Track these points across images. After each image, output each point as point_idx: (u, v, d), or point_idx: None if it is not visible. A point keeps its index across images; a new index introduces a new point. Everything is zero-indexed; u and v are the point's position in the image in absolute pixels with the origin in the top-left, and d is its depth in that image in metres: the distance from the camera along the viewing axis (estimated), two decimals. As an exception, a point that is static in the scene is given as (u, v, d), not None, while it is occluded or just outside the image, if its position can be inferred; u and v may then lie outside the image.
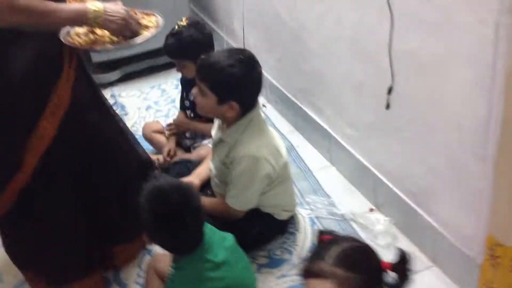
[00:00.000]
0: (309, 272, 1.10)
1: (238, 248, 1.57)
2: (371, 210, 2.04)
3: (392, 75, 1.58)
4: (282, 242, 1.96)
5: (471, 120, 1.38)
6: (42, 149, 1.53)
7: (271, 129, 1.87)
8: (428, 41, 1.44)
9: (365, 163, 2.03)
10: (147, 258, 1.94)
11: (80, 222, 1.68)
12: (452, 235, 1.63)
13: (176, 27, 2.25)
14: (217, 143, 1.85)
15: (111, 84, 3.17)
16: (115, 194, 1.79)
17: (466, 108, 1.39)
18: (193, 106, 2.39)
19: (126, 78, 3.24)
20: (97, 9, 1.42)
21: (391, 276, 1.11)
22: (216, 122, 1.94)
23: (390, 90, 1.61)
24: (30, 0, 1.31)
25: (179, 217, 1.38)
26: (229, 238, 1.56)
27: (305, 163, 2.35)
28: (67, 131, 1.56)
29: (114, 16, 1.45)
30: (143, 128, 2.55)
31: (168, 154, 2.37)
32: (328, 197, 2.14)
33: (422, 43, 1.47)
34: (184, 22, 2.25)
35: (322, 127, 2.32)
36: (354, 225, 1.99)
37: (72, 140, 1.60)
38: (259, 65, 1.72)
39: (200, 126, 2.35)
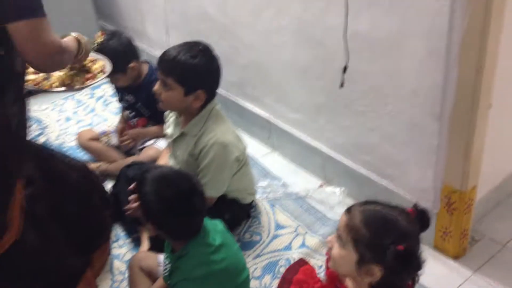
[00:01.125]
0: (348, 208, 1.23)
1: (228, 232, 1.63)
2: (321, 185, 2.21)
3: (347, 55, 1.75)
4: (248, 226, 2.04)
5: (427, 86, 1.60)
6: (20, 199, 1.46)
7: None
8: (382, 19, 1.64)
9: (312, 143, 2.20)
10: (115, 263, 1.91)
11: (64, 244, 1.64)
12: (408, 192, 1.85)
13: (96, 44, 2.23)
14: (178, 138, 1.89)
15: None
16: (79, 206, 1.78)
17: (421, 76, 1.61)
18: (130, 105, 2.41)
19: (34, 92, 3.06)
20: (78, 37, 1.60)
21: None
22: (171, 119, 1.97)
23: (345, 69, 1.78)
24: (64, 41, 1.45)
25: (189, 202, 1.41)
26: (219, 224, 1.62)
27: (247, 153, 2.45)
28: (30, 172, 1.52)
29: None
30: (78, 137, 2.47)
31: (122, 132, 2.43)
32: (279, 180, 2.27)
33: (376, 23, 1.66)
34: (100, 37, 2.23)
35: (260, 116, 2.44)
36: (310, 201, 2.14)
37: (35, 178, 1.55)
38: (216, 54, 1.82)
39: (154, 130, 2.37)
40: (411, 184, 1.84)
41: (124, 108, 2.44)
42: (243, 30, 2.29)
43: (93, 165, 2.35)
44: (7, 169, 1.42)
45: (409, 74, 1.65)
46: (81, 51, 1.61)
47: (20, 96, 1.53)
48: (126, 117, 2.44)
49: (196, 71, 1.75)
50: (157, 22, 2.93)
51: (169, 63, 1.76)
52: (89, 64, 1.86)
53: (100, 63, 1.91)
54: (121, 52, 2.22)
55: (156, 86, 1.81)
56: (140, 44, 3.23)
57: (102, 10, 3.55)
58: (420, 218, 1.23)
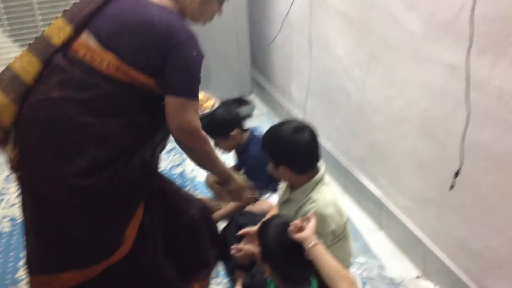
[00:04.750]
0: None
1: None
2: (418, 277, 2.22)
3: (461, 161, 1.80)
4: (336, 298, 2.12)
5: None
6: (138, 222, 1.74)
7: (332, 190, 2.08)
8: (503, 135, 1.66)
9: (418, 233, 2.22)
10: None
11: (168, 267, 1.88)
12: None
13: (209, 108, 2.58)
14: (285, 202, 2.06)
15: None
16: (189, 239, 2.03)
17: (532, 199, 1.60)
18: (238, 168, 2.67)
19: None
20: (238, 183, 1.91)
21: None
22: (284, 183, 2.15)
23: (457, 174, 1.83)
24: (207, 137, 1.73)
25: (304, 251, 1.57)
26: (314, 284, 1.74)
27: (354, 225, 2.54)
28: (150, 201, 1.80)
29: (240, 195, 1.97)
30: (207, 177, 2.78)
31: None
32: (378, 260, 2.32)
33: (496, 136, 1.69)
34: (212, 103, 2.58)
35: (374, 194, 2.52)
36: (403, 290, 2.16)
37: (154, 207, 1.83)
38: (310, 135, 1.89)
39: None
40: (507, 302, 1.79)
41: (237, 169, 2.69)
42: (374, 111, 2.42)
43: (213, 203, 2.62)
44: (137, 194, 1.71)
45: (521, 193, 1.64)
46: (230, 185, 1.91)
47: (166, 133, 1.84)
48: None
49: (277, 146, 1.89)
50: (301, 86, 3.18)
51: (266, 135, 1.97)
52: (203, 100, 2.55)
53: (212, 101, 2.58)
54: (226, 119, 2.50)
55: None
56: (282, 100, 3.52)
57: (257, 63, 3.92)
58: None
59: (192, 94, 1.60)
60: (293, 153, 1.90)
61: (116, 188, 1.59)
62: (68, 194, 1.56)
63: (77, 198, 1.56)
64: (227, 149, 2.62)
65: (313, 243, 1.57)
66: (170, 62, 1.55)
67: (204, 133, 1.69)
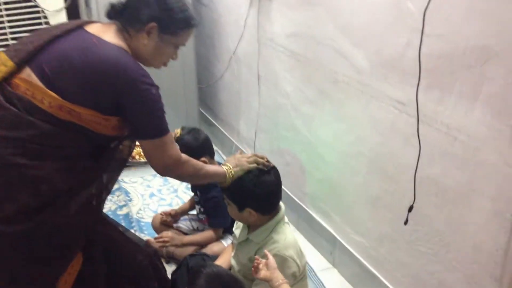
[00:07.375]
0: None
1: None
2: (374, 315, 2.18)
3: (415, 196, 1.80)
4: None
5: (490, 245, 1.59)
6: (76, 270, 1.64)
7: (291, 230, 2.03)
8: (452, 170, 1.68)
9: (372, 269, 2.19)
10: None
11: None
12: None
13: (174, 136, 2.38)
14: (242, 243, 1.99)
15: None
16: (136, 286, 1.91)
17: (485, 234, 1.60)
18: (197, 202, 2.55)
19: (129, 164, 3.37)
20: (228, 170, 1.81)
21: None
22: (240, 223, 2.09)
23: (411, 209, 1.82)
24: (188, 158, 1.68)
25: None
26: None
27: (308, 263, 2.49)
28: (91, 247, 1.70)
29: (239, 167, 1.83)
30: (153, 219, 2.67)
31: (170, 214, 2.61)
32: (333, 299, 2.27)
33: (445, 172, 1.71)
34: (179, 132, 2.40)
35: (327, 230, 2.49)
36: (360, 329, 2.11)
37: (95, 254, 1.73)
38: (274, 175, 1.89)
39: (197, 238, 2.51)
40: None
41: (195, 203, 2.59)
42: (323, 147, 2.41)
43: (161, 245, 2.51)
44: (73, 241, 1.59)
45: (473, 228, 1.65)
46: (227, 180, 1.81)
47: (111, 177, 1.74)
48: (198, 211, 2.59)
49: (242, 190, 1.84)
50: (249, 122, 3.16)
51: None
52: None
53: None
54: (193, 146, 2.31)
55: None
56: (230, 137, 3.48)
57: (205, 99, 3.88)
58: None
59: (164, 131, 1.56)
60: (261, 195, 1.84)
61: (47, 235, 1.47)
62: None
63: (1, 245, 1.43)
64: None
65: (278, 282, 1.53)
66: (129, 103, 1.49)
67: (184, 157, 1.65)
